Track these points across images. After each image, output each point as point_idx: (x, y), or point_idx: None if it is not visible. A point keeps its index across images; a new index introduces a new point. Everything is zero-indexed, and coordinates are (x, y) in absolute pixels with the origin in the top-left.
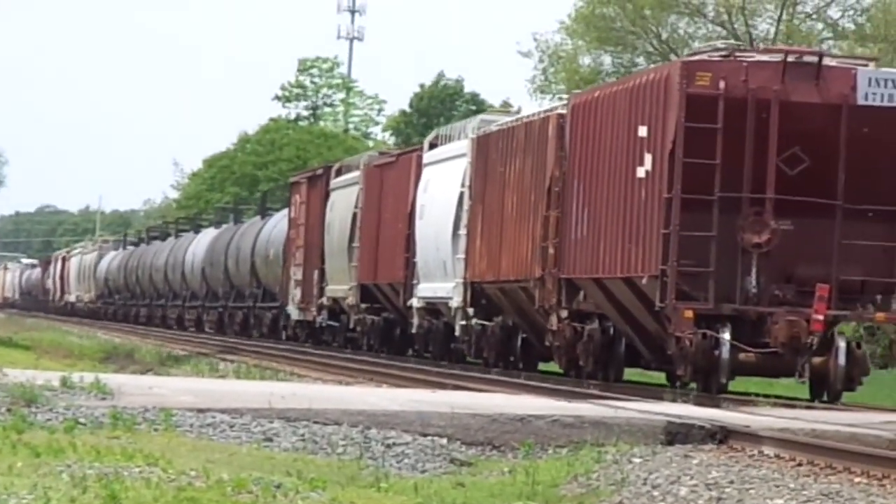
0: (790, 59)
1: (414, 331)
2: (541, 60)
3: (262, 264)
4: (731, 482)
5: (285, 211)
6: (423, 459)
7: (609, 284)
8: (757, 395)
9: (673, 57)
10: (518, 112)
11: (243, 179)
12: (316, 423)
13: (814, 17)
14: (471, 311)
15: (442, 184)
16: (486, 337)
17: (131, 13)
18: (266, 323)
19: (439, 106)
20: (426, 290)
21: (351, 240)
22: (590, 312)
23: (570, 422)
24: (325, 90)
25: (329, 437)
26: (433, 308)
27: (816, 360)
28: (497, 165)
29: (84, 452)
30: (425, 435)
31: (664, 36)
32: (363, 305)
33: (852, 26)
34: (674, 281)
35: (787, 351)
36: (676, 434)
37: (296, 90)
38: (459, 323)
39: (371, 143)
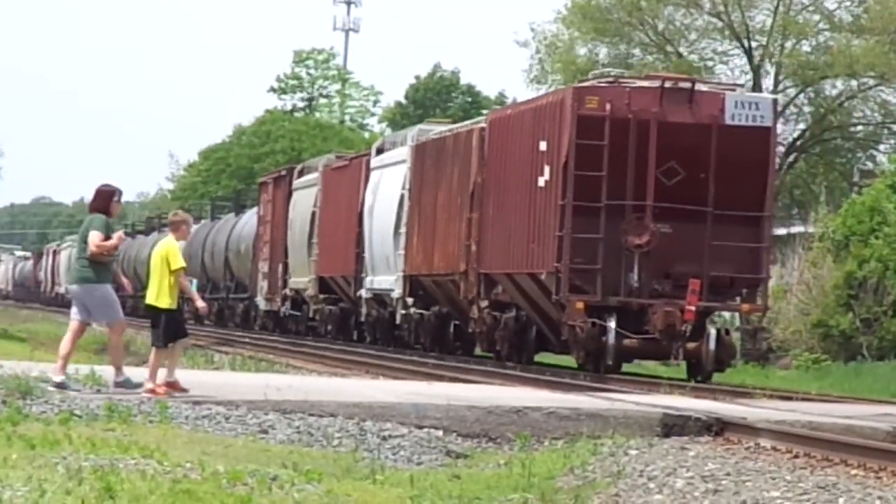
0: (667, 84)
1: (363, 319)
2: (537, 51)
3: (235, 258)
4: (728, 474)
5: (256, 208)
6: (418, 451)
7: (518, 279)
8: (754, 387)
9: (669, 48)
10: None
11: (239, 171)
12: (312, 415)
13: (810, 8)
14: (409, 301)
15: (386, 186)
16: (423, 324)
17: (126, 4)
18: (238, 313)
19: (435, 97)
20: (373, 282)
21: (310, 236)
22: (506, 303)
23: (566, 414)
24: (320, 82)
25: (325, 430)
26: (380, 298)
27: (691, 345)
28: (431, 171)
29: (79, 444)
30: (421, 427)
31: (660, 27)
32: (321, 296)
33: (849, 18)
34: (567, 276)
35: (664, 337)
36: (673, 426)
37: (291, 82)
38: (400, 312)
39: (367, 135)
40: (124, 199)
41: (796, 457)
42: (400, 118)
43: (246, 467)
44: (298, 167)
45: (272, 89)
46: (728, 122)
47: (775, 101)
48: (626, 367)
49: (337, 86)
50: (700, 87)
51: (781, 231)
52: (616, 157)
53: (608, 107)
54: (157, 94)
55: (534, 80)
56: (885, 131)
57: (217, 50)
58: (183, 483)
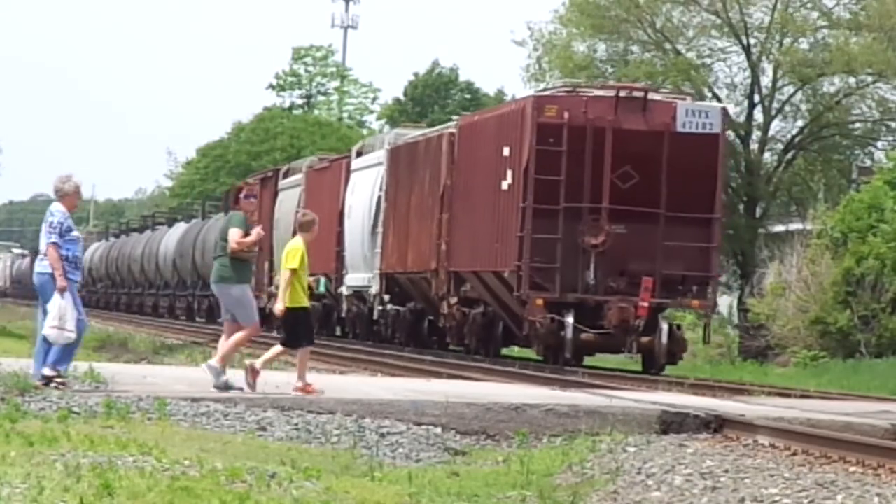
0: (622, 94)
1: (343, 315)
2: (535, 49)
3: None
4: (726, 471)
5: None
6: (417, 449)
7: (484, 276)
8: (752, 384)
9: (667, 45)
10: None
11: (237, 168)
12: (310, 412)
13: (808, 5)
14: (386, 297)
15: (364, 188)
16: (399, 320)
17: (125, 2)
18: None
19: (434, 94)
20: (352, 279)
21: (294, 234)
22: (474, 299)
23: (564, 411)
24: (319, 79)
25: (323, 427)
26: (359, 295)
27: (644, 339)
28: (405, 173)
29: (78, 441)
30: (420, 424)
31: (658, 24)
32: None
33: (847, 15)
34: (528, 274)
35: (618, 332)
36: (671, 423)
37: (290, 79)
38: (377, 308)
39: (365, 132)
40: (122, 196)
41: (795, 454)
42: (398, 115)
43: (244, 464)
44: (284, 168)
45: (271, 86)
46: (679, 129)
47: (724, 110)
48: (587, 361)
49: (335, 83)
50: (653, 96)
51: (780, 228)
52: (573, 162)
53: (566, 115)
54: (155, 92)
55: (532, 77)
56: (883, 128)
57: (216, 47)
58: (181, 480)
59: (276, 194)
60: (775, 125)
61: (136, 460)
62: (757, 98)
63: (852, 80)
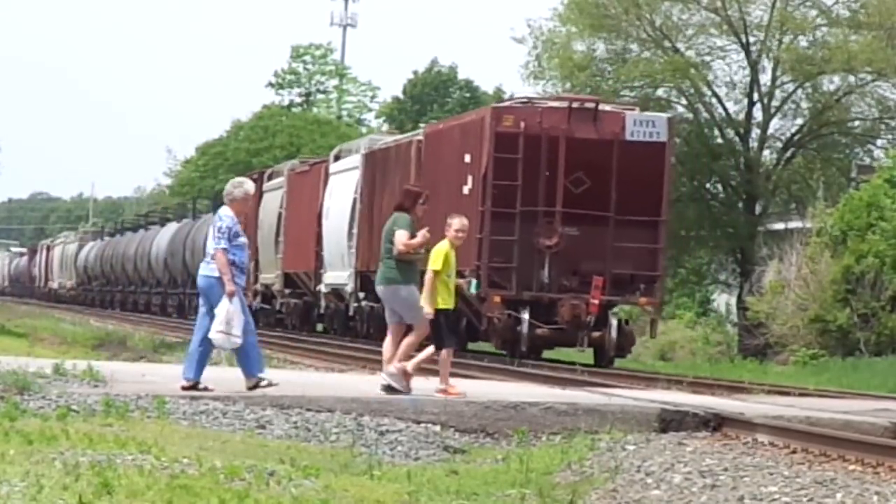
0: (574, 105)
1: (322, 311)
2: (534, 47)
3: None
4: (726, 469)
5: None
6: (416, 447)
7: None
8: (751, 382)
9: (667, 43)
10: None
11: (236, 166)
12: (309, 410)
13: (808, 3)
14: (361, 294)
15: (341, 190)
16: (373, 316)
17: (124, 1)
18: None
19: (433, 93)
20: (330, 277)
21: (277, 234)
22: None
23: (563, 409)
24: (318, 77)
25: (322, 425)
26: (336, 292)
27: (595, 334)
28: (378, 177)
29: (77, 440)
30: (419, 422)
31: (658, 23)
32: (287, 290)
33: (846, 13)
34: (486, 273)
35: (571, 327)
36: (670, 421)
37: (289, 77)
38: (353, 305)
39: (364, 130)
40: (121, 194)
41: (794, 452)
42: (397, 114)
43: (243, 462)
44: (268, 171)
45: (270, 85)
46: (628, 137)
47: (670, 120)
48: (546, 354)
49: (334, 81)
50: (603, 106)
51: (779, 226)
52: (529, 168)
53: (522, 125)
54: (155, 90)
55: (531, 76)
56: (883, 127)
57: (215, 45)
58: (180, 478)
59: (260, 196)
60: (775, 123)
61: (134, 458)
62: (756, 96)
63: (852, 78)
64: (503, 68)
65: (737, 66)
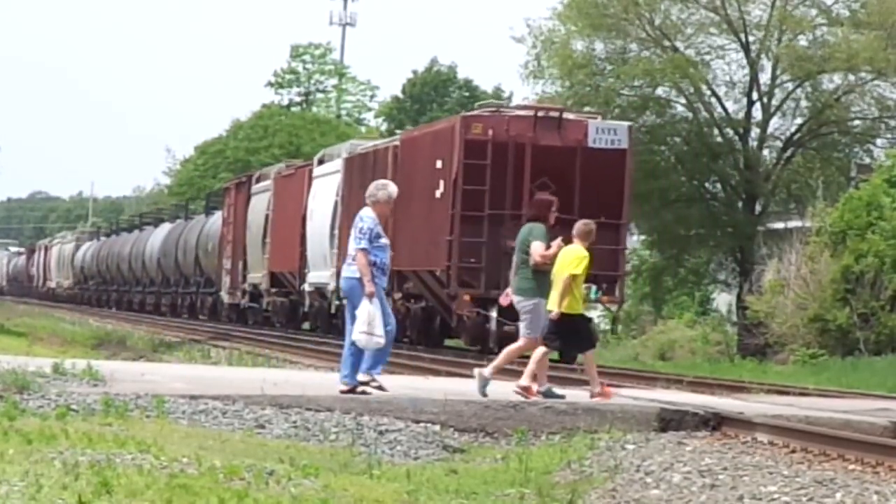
0: (539, 114)
1: (306, 309)
2: (534, 46)
3: (204, 256)
4: (725, 469)
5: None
6: (415, 446)
7: (422, 275)
8: (751, 382)
9: (666, 43)
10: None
11: (235, 166)
12: (308, 409)
13: (807, 3)
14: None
15: (324, 193)
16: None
17: (124, 1)
18: (207, 306)
19: (432, 92)
20: (313, 277)
21: (264, 236)
22: (416, 295)
23: (563, 408)
24: (317, 76)
25: (321, 424)
26: (320, 291)
27: None
28: (358, 181)
29: (76, 439)
30: (418, 422)
31: (657, 22)
32: (273, 290)
33: (846, 13)
34: (456, 273)
35: None
36: (670, 421)
37: (288, 76)
38: (335, 303)
39: (363, 130)
40: (120, 193)
41: (793, 451)
42: (397, 113)
43: (243, 462)
44: (256, 174)
45: (269, 84)
46: (590, 144)
47: (630, 128)
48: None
49: (334, 80)
50: (567, 115)
51: (779, 225)
52: (497, 174)
53: (490, 132)
54: (154, 89)
55: (530, 75)
56: (882, 126)
57: (214, 44)
58: (180, 478)
59: (248, 198)
60: (774, 122)
61: (134, 458)
62: (756, 95)
63: (851, 77)
64: (503, 68)
65: (736, 65)
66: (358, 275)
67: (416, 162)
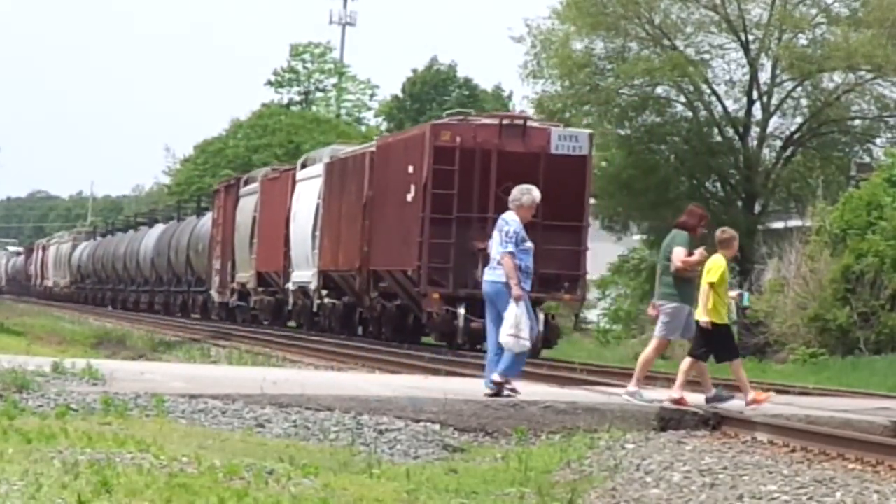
0: (505, 122)
1: (290, 308)
2: (533, 46)
3: (195, 256)
4: (725, 468)
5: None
6: (415, 445)
7: (396, 274)
8: (751, 381)
9: (665, 42)
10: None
11: (235, 165)
12: (308, 408)
13: (807, 1)
14: (324, 292)
15: (307, 196)
16: (334, 312)
17: (124, 1)
18: (198, 304)
19: (432, 91)
20: (297, 276)
21: (252, 236)
22: (391, 294)
23: (563, 408)
24: (317, 75)
25: (321, 423)
26: (303, 290)
27: None
28: (338, 185)
29: (76, 438)
30: (418, 421)
31: (657, 21)
32: (259, 288)
33: (846, 11)
34: (426, 273)
35: None
36: (669, 420)
37: (288, 75)
38: (316, 301)
39: (363, 129)
40: (120, 193)
41: (793, 451)
42: (397, 112)
43: (242, 461)
44: (244, 177)
45: (269, 83)
46: (553, 151)
47: (591, 135)
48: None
49: (333, 80)
50: (531, 123)
51: (779, 224)
52: (465, 179)
53: (458, 139)
54: (153, 88)
55: (530, 75)
56: (882, 125)
57: (214, 44)
58: (179, 477)
59: (237, 200)
60: (774, 121)
61: (133, 457)
62: (755, 94)
63: (851, 76)
64: (502, 67)
65: (736, 64)
66: (504, 279)
67: (389, 167)
